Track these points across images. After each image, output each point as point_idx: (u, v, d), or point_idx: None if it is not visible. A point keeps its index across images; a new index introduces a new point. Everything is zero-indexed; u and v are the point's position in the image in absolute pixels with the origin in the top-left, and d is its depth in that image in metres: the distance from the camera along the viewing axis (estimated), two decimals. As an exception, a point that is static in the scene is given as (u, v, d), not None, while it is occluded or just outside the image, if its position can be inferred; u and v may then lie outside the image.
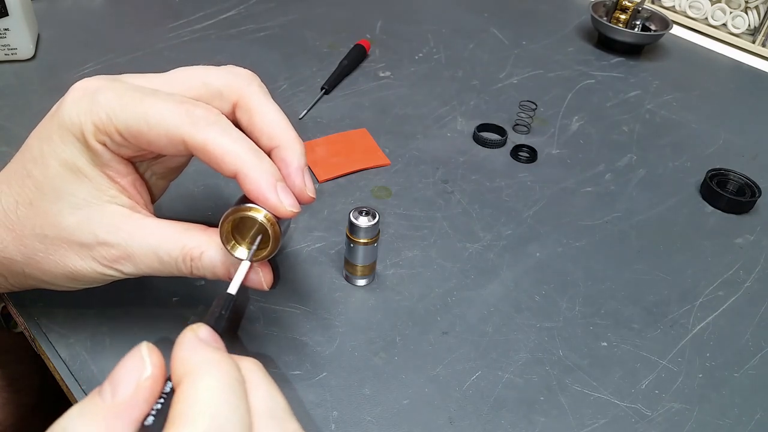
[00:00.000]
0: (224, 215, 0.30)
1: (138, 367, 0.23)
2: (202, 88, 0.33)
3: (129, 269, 0.32)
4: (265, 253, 0.31)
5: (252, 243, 0.31)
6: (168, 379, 0.24)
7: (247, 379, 0.24)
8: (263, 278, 0.32)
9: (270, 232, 0.30)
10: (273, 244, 0.31)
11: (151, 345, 0.23)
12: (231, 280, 0.30)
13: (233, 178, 0.30)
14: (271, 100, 0.33)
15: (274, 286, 0.35)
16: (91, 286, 0.35)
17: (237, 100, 0.33)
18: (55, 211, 0.31)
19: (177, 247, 0.32)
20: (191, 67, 0.34)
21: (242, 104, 0.33)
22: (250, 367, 0.25)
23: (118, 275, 0.33)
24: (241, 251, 0.31)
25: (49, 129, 0.31)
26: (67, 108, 0.30)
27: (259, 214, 0.30)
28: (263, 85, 0.34)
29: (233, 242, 0.31)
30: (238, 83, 0.33)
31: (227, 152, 0.29)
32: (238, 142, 0.30)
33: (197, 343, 0.24)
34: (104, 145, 0.30)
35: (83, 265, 0.32)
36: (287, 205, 0.30)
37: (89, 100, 0.30)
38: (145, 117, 0.29)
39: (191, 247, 0.32)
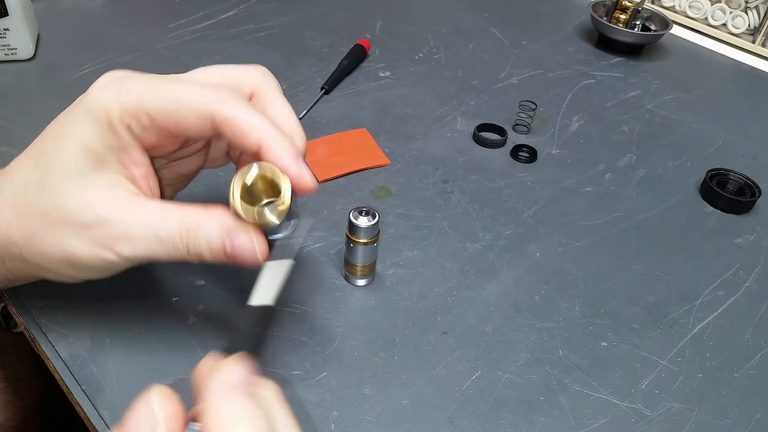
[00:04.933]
0: (241, 170, 0.31)
1: (147, 413, 0.23)
2: (221, 81, 0.34)
3: (127, 251, 0.32)
4: (276, 214, 0.31)
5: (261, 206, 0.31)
6: (193, 420, 0.24)
7: (269, 416, 0.25)
8: (257, 246, 0.31)
9: (284, 192, 0.30)
10: (285, 205, 0.31)
11: (162, 392, 0.23)
12: (228, 255, 0.30)
13: (255, 152, 0.31)
14: (284, 97, 0.36)
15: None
16: (89, 277, 0.34)
17: (254, 91, 0.35)
18: (61, 191, 0.31)
19: (175, 224, 0.31)
20: (210, 66, 0.35)
21: (258, 95, 0.34)
22: (270, 397, 0.26)
23: (115, 259, 0.32)
24: (247, 209, 0.31)
25: (74, 112, 0.32)
26: (95, 93, 0.32)
27: (280, 177, 0.31)
28: (278, 83, 0.36)
29: (241, 202, 0.31)
30: (256, 76, 0.35)
31: (252, 126, 0.31)
32: (261, 118, 0.31)
33: (230, 390, 0.24)
34: (129, 128, 0.31)
35: (81, 246, 0.32)
36: (308, 179, 0.31)
37: (117, 86, 0.31)
38: (175, 96, 0.31)
39: (188, 221, 0.31)
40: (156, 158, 0.35)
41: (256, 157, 0.31)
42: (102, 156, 0.32)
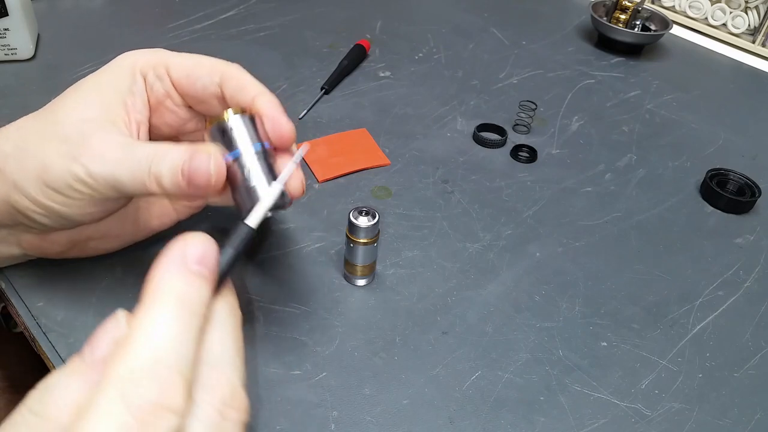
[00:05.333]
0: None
1: (114, 328, 0.24)
2: None
3: (95, 167, 0.32)
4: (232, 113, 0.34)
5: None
6: None
7: (213, 318, 0.25)
8: (213, 163, 0.32)
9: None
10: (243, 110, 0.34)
11: (127, 312, 0.25)
12: (185, 174, 0.32)
13: (249, 103, 0.35)
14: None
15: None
16: (57, 208, 0.34)
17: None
18: (62, 113, 0.34)
19: (146, 147, 0.33)
20: None
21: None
22: (221, 307, 0.26)
23: (81, 174, 0.32)
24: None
25: (108, 66, 0.37)
26: (128, 53, 0.37)
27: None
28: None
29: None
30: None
31: (253, 82, 0.37)
32: (259, 83, 0.37)
33: (177, 263, 0.25)
34: (144, 77, 0.37)
35: (56, 159, 0.33)
36: (288, 125, 0.35)
37: (147, 51, 0.38)
38: (194, 57, 0.37)
39: (160, 146, 0.33)
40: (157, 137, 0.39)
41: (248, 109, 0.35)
42: (109, 95, 0.35)
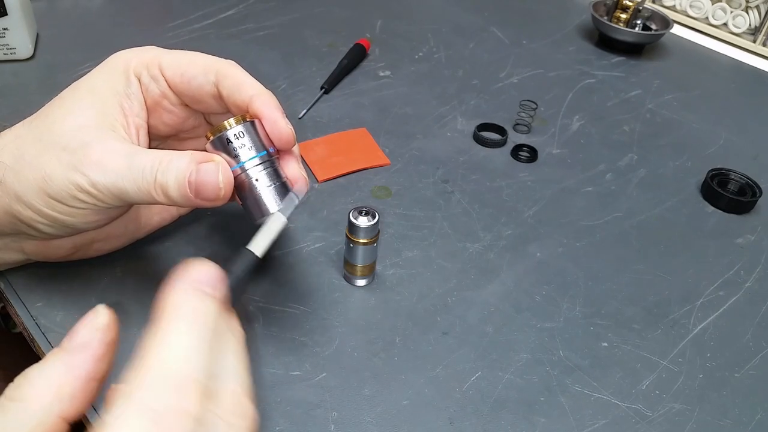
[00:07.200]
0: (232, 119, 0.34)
1: (91, 318, 0.26)
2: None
3: (97, 176, 0.32)
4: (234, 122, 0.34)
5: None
6: None
7: (219, 331, 0.26)
8: (221, 173, 0.32)
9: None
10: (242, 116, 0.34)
11: (105, 306, 0.26)
12: (192, 184, 0.32)
13: (246, 104, 0.35)
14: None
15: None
16: (60, 219, 0.34)
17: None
18: (60, 119, 0.34)
19: (150, 157, 0.32)
20: None
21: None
22: (230, 330, 0.27)
23: (84, 183, 0.32)
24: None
25: (99, 66, 0.37)
26: (120, 52, 0.37)
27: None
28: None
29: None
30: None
31: (248, 81, 0.35)
32: (256, 80, 0.36)
33: (188, 284, 0.26)
34: (139, 78, 0.36)
35: (57, 169, 0.32)
36: (290, 129, 0.35)
37: (139, 49, 0.37)
38: (187, 55, 0.36)
39: (163, 155, 0.32)
40: (155, 140, 0.39)
41: (245, 110, 0.35)
42: (105, 99, 0.35)
